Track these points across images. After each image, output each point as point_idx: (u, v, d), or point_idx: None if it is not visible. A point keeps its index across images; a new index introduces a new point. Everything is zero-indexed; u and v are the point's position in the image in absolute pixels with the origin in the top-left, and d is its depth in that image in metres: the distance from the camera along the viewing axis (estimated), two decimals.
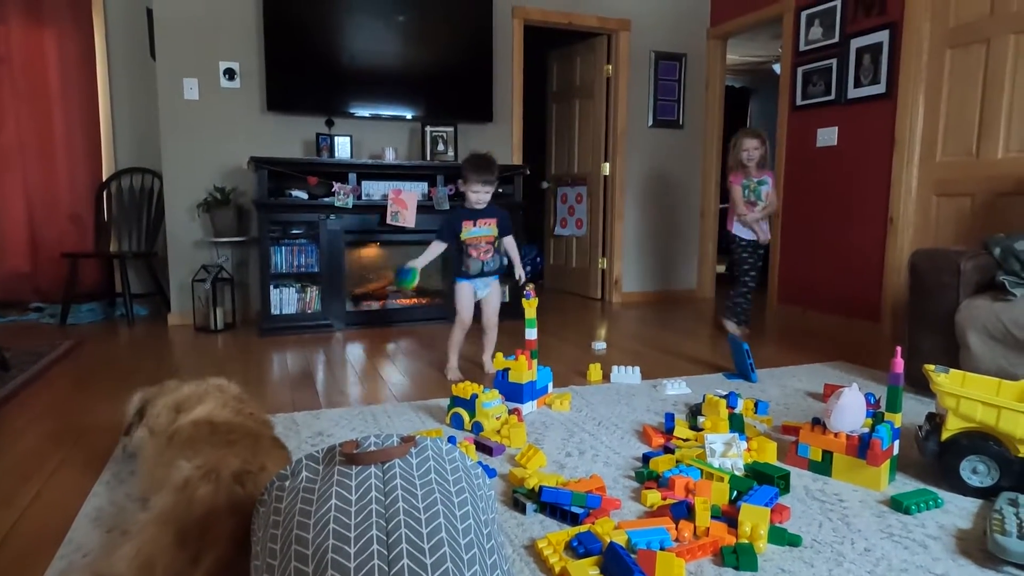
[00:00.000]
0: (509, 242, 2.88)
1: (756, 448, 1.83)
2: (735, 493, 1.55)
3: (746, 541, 1.34)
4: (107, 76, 4.36)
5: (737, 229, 3.66)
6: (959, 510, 1.56)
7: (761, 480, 1.63)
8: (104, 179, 4.39)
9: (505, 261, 2.89)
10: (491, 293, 2.86)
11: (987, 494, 1.61)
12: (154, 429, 1.58)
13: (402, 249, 4.35)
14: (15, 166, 4.34)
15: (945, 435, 1.67)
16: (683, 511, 1.45)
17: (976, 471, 1.63)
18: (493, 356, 2.69)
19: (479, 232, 2.76)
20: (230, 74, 4.00)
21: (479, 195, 2.71)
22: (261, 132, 4.08)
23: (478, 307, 2.88)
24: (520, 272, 2.92)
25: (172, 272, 4.06)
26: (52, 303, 4.34)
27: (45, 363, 2.93)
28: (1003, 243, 2.33)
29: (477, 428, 2.06)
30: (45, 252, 4.46)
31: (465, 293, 2.80)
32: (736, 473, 1.66)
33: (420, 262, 2.74)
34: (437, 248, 2.77)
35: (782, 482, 1.63)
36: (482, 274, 2.80)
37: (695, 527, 1.40)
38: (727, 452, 1.74)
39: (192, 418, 1.52)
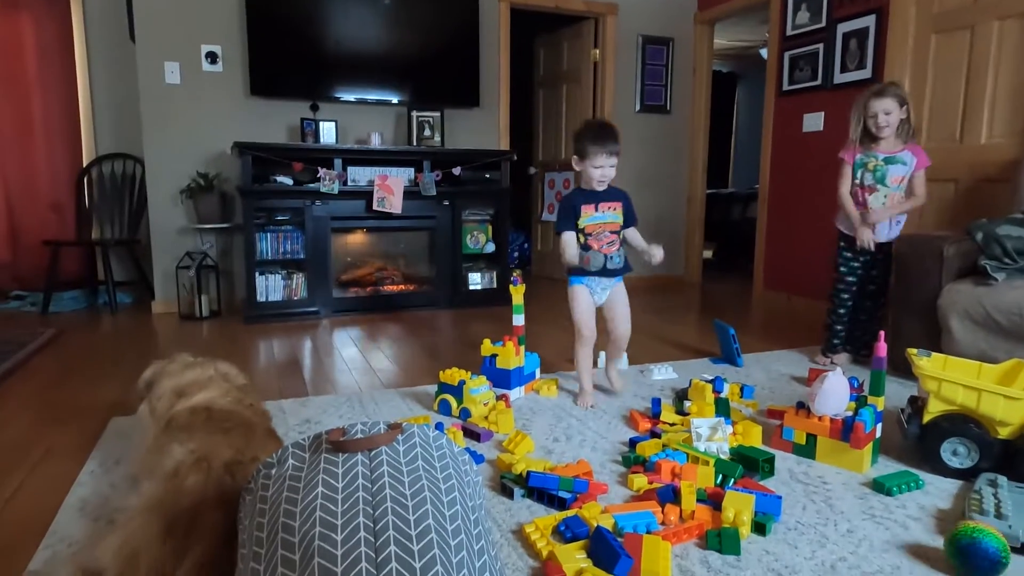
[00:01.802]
0: (634, 235, 2.29)
1: (741, 432, 1.85)
2: (720, 477, 1.57)
3: (730, 526, 1.36)
4: (86, 60, 4.27)
5: (841, 221, 2.75)
6: (939, 491, 1.59)
7: (746, 464, 1.65)
8: (84, 165, 4.32)
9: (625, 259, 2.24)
10: (615, 298, 2.28)
11: (967, 475, 1.63)
12: (155, 410, 1.57)
13: (389, 235, 4.34)
14: None
15: (927, 418, 1.70)
16: (669, 495, 1.46)
17: (956, 453, 1.65)
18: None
19: (602, 218, 2.19)
20: (212, 58, 3.94)
21: (604, 170, 2.14)
22: (245, 117, 4.03)
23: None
24: (650, 248, 2.20)
25: (155, 259, 4.01)
26: (34, 291, 4.28)
27: (27, 352, 2.89)
28: (985, 228, 2.35)
29: (465, 414, 2.06)
30: (25, 240, 4.39)
31: (582, 298, 2.23)
32: (722, 457, 1.68)
33: (575, 255, 2.18)
34: (571, 238, 2.19)
35: (767, 465, 1.65)
36: (604, 272, 2.19)
37: (681, 511, 1.41)
38: (713, 436, 1.75)
39: (191, 404, 1.50)
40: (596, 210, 2.19)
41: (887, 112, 2.51)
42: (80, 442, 1.90)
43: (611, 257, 2.16)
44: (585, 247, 2.17)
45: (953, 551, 1.21)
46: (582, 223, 2.18)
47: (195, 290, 3.79)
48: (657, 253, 2.17)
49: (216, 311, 3.92)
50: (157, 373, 1.69)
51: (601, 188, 2.18)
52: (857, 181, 2.65)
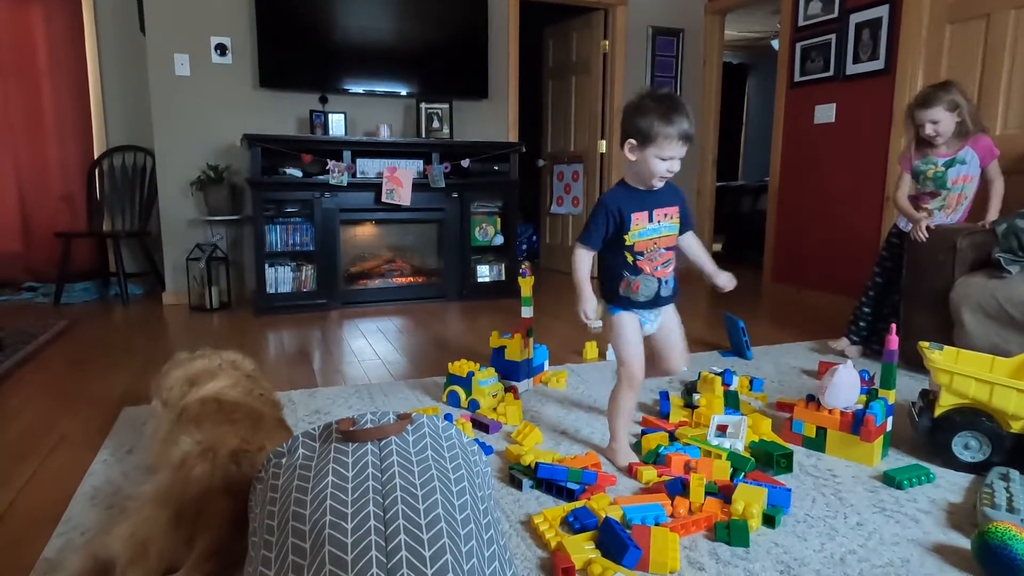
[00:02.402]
0: (691, 241, 1.76)
1: (752, 425, 1.84)
2: (732, 470, 1.56)
3: (739, 518, 1.35)
4: (96, 52, 4.29)
5: (900, 219, 2.69)
6: (950, 485, 1.58)
7: (763, 459, 1.64)
8: (96, 157, 4.35)
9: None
10: (668, 325, 1.74)
11: (978, 469, 1.62)
12: (167, 401, 1.58)
13: (398, 227, 4.34)
14: (5, 145, 4.29)
15: (938, 411, 1.68)
16: (678, 487, 1.46)
17: (968, 447, 1.64)
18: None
19: (658, 231, 1.62)
20: (222, 49, 3.94)
21: (673, 164, 1.55)
22: (254, 109, 4.04)
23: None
24: (719, 276, 1.77)
25: (166, 251, 4.04)
26: (46, 282, 4.32)
27: (40, 343, 2.92)
28: (1008, 220, 2.32)
29: (473, 406, 2.07)
30: (37, 231, 4.42)
31: (631, 330, 1.65)
32: (736, 451, 1.66)
33: (588, 299, 1.63)
34: (586, 261, 1.65)
35: (784, 460, 1.63)
36: (656, 301, 1.66)
37: (690, 503, 1.41)
38: (736, 433, 1.73)
39: (201, 395, 1.52)
40: (651, 220, 1.60)
41: (935, 121, 2.42)
42: (92, 431, 1.91)
43: (665, 282, 1.63)
44: (634, 270, 1.60)
45: (979, 546, 1.18)
46: (631, 238, 1.58)
47: (205, 282, 3.81)
48: (728, 284, 1.75)
49: (226, 303, 3.94)
50: (164, 373, 1.70)
51: (659, 186, 1.61)
52: (920, 187, 2.60)
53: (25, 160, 4.36)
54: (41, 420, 2.02)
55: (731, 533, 1.29)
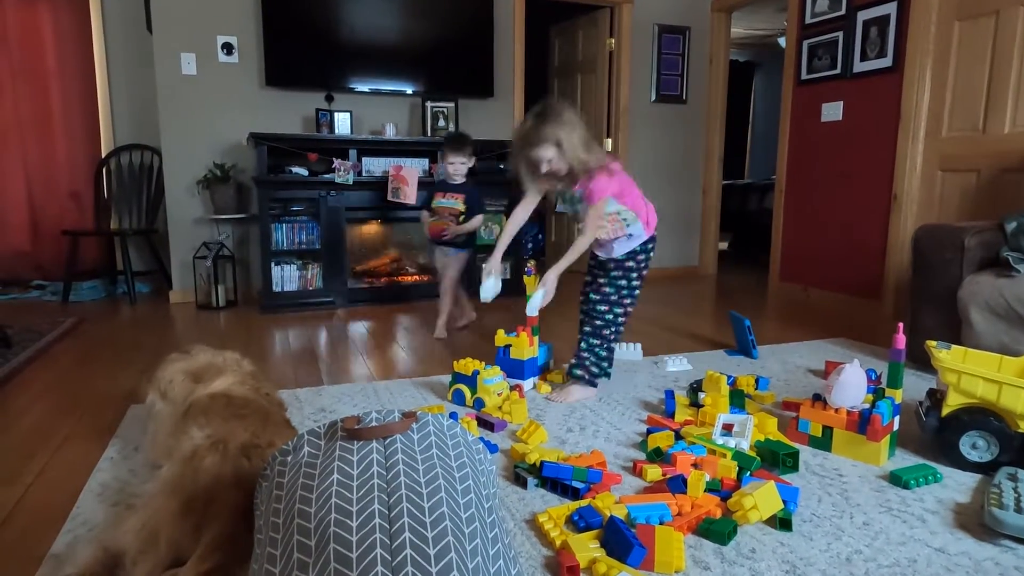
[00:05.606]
0: None
1: (757, 424, 1.83)
2: (738, 469, 1.55)
3: (723, 516, 1.34)
4: (104, 51, 4.31)
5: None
6: (958, 485, 1.57)
7: (769, 458, 1.63)
8: (103, 156, 4.37)
9: None
10: None
11: (986, 469, 1.61)
12: (167, 395, 1.58)
13: (403, 226, 4.34)
14: (13, 144, 4.31)
15: (945, 411, 1.68)
16: (679, 485, 1.46)
17: (976, 446, 1.63)
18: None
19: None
20: (228, 48, 3.96)
21: None
22: (260, 108, 4.05)
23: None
24: None
25: (173, 249, 4.05)
26: (54, 281, 4.35)
27: (48, 340, 2.94)
28: (1017, 218, 2.31)
29: (479, 404, 2.07)
30: (45, 230, 4.45)
31: None
32: (741, 450, 1.65)
33: None
34: None
35: (790, 459, 1.63)
36: None
37: (693, 502, 1.41)
38: (739, 432, 1.73)
39: (211, 391, 1.52)
40: None
41: (548, 160, 2.00)
42: (99, 429, 1.92)
43: None
44: None
45: None
46: None
47: (212, 280, 3.82)
48: None
49: (233, 301, 3.96)
50: (160, 369, 1.69)
51: None
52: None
53: (33, 159, 4.38)
54: (49, 417, 2.04)
55: (711, 532, 1.29)
